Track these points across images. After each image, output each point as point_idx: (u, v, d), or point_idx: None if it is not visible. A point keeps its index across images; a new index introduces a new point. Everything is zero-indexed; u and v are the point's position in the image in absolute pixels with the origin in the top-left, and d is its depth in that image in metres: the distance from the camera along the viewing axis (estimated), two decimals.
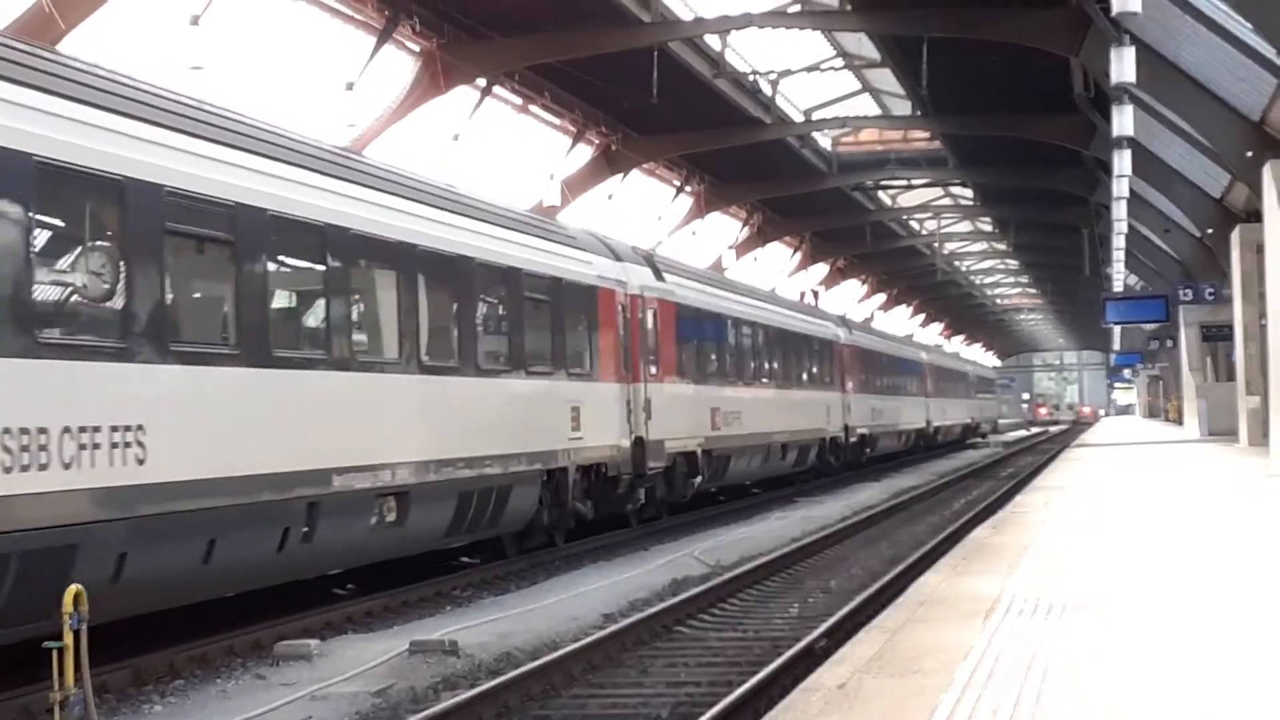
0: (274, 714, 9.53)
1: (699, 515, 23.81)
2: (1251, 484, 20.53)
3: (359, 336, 13.60)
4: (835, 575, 16.79)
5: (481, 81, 30.47)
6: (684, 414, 22.19)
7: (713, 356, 24.30)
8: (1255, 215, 29.44)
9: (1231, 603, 9.07)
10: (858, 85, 39.05)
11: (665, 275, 22.19)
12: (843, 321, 40.59)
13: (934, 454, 54.01)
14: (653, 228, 43.15)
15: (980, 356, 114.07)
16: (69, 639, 7.69)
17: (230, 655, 11.49)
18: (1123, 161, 27.09)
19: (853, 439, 37.12)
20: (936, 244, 63.10)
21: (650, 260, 22.21)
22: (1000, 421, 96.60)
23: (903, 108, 39.47)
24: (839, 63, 35.90)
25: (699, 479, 22.74)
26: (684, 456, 22.14)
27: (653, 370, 20.94)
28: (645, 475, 20.40)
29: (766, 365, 28.13)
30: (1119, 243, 39.53)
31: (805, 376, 31.69)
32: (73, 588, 7.87)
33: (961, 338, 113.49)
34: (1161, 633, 8.02)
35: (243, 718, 9.38)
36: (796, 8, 31.08)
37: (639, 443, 20.10)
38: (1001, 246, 68.85)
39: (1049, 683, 6.68)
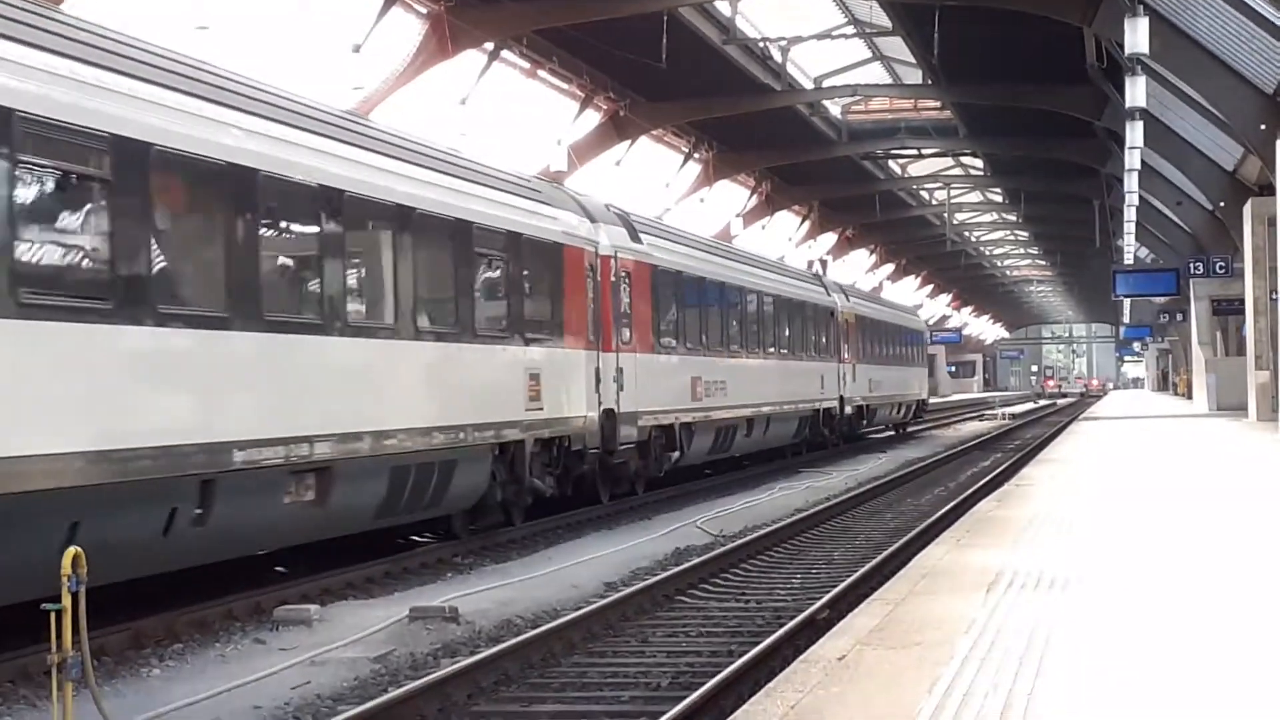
0: (273, 679, 9.49)
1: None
2: (1260, 460, 20.46)
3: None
4: (839, 546, 16.75)
5: (489, 45, 30.30)
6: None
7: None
8: (1268, 188, 29.31)
9: (1236, 579, 9.02)
10: (869, 53, 38.82)
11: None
12: None
13: (940, 424, 53.67)
14: (660, 195, 43.04)
15: (914, 298, 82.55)
16: (67, 601, 7.63)
17: (230, 619, 11.46)
18: (1135, 133, 26.91)
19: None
20: (946, 214, 62.89)
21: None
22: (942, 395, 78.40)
23: (914, 76, 39.28)
24: (850, 30, 35.68)
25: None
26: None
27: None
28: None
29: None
30: (1130, 215, 39.35)
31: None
32: (71, 550, 7.80)
33: (970, 308, 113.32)
34: (1165, 607, 7.97)
35: (241, 682, 9.34)
36: None
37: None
38: (1011, 217, 68.67)
39: (1050, 656, 6.63)
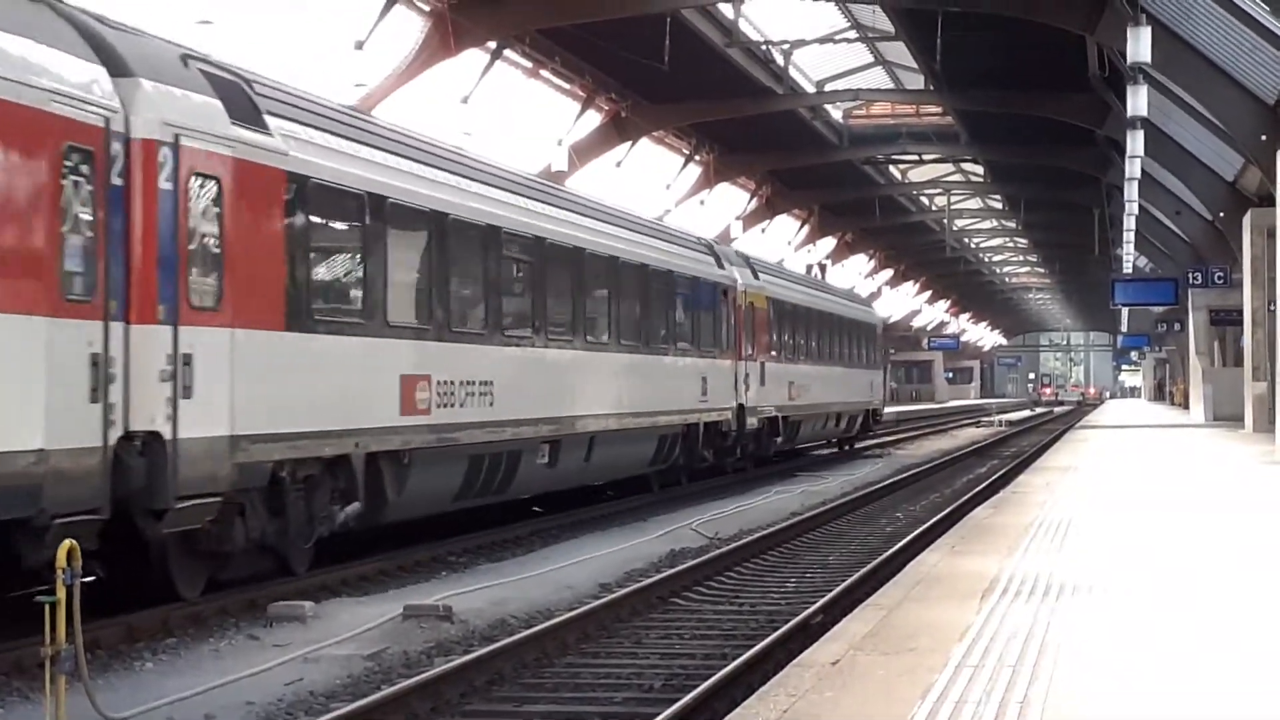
0: (267, 675, 9.49)
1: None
2: (1255, 471, 20.48)
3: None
4: (833, 551, 16.76)
5: (492, 44, 30.30)
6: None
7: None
8: (1268, 199, 29.33)
9: (1231, 588, 9.02)
10: (871, 58, 38.88)
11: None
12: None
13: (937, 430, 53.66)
14: (661, 196, 43.05)
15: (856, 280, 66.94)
16: (61, 594, 7.63)
17: (224, 615, 11.45)
18: (1136, 142, 26.94)
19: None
20: (946, 220, 62.93)
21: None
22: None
23: (916, 81, 39.33)
24: (852, 34, 35.73)
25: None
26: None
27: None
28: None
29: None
30: (1129, 224, 39.39)
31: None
32: (66, 543, 7.80)
33: (968, 315, 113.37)
34: (1160, 616, 7.97)
35: (235, 677, 9.34)
36: None
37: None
38: (1011, 224, 68.73)
39: (1044, 664, 6.63)
